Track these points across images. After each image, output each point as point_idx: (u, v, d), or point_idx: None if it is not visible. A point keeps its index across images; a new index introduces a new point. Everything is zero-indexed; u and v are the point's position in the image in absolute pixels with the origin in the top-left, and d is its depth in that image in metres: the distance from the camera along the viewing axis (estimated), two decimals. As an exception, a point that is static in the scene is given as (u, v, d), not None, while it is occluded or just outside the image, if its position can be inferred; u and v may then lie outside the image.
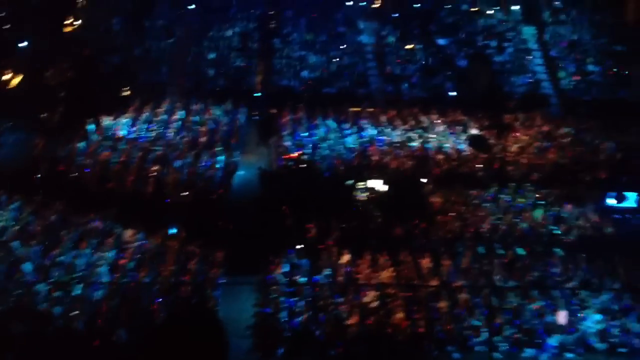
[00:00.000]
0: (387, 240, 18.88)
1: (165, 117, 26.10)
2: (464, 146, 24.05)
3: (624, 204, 21.46)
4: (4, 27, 27.30)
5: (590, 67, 30.38)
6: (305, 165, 22.57)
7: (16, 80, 26.00)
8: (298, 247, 18.33)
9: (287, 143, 24.07)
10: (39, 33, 27.19)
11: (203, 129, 25.19)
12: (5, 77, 25.79)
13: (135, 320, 15.25)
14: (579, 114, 27.50)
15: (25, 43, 26.80)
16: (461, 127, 25.75)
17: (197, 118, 26.14)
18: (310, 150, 23.60)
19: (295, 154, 23.03)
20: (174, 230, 19.13)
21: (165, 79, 29.30)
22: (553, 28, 32.21)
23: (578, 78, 29.94)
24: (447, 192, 20.88)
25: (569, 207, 20.74)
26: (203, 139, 24.44)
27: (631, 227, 20.83)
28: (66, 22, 29.79)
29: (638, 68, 29.70)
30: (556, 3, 33.08)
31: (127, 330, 14.89)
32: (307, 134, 25.14)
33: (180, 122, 25.71)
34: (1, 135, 23.39)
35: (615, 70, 30.05)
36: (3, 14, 27.80)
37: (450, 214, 19.97)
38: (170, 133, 24.84)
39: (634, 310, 16.58)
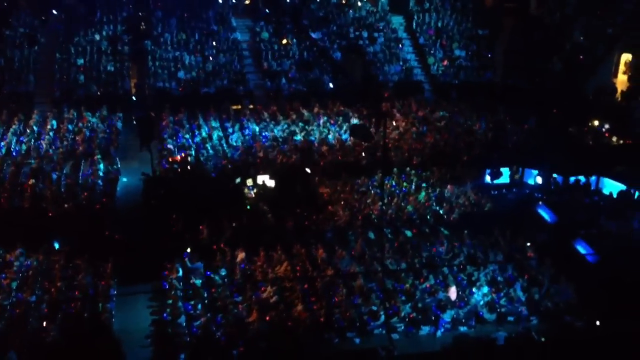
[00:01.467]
0: (280, 234, 19.02)
1: (36, 128, 24.89)
2: (346, 136, 24.59)
3: (499, 180, 22.79)
4: None
5: (457, 52, 31.93)
6: (190, 167, 22.27)
7: None
8: (191, 250, 18.10)
9: (170, 146, 23.61)
10: None
11: (79, 137, 24.22)
12: None
13: (25, 342, 14.55)
14: (450, 98, 28.88)
15: None
16: (342, 118, 26.31)
17: (71, 127, 25.11)
18: (193, 152, 23.28)
19: (179, 157, 22.65)
20: (56, 245, 18.40)
21: (33, 89, 27.93)
22: (419, 16, 33.53)
23: (446, 63, 31.38)
24: (334, 183, 21.28)
25: (450, 187, 21.71)
26: (80, 148, 23.50)
27: (506, 201, 22.17)
28: None
29: (499, 51, 31.54)
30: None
31: (18, 353, 14.17)
32: (189, 135, 24.77)
33: (53, 132, 24.61)
34: None
35: (479, 53, 31.78)
36: None
37: (338, 203, 20.36)
38: (44, 144, 23.72)
39: (517, 280, 17.61)
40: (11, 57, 28.71)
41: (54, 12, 31.45)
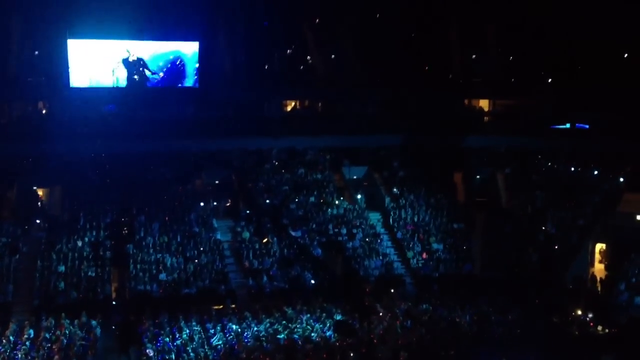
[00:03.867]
0: None
1: (12, 338, 24.26)
2: (330, 333, 24.26)
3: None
4: None
5: (435, 246, 32.68)
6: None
7: None
8: None
9: (149, 351, 23.04)
10: None
11: (55, 346, 23.58)
12: None
13: None
14: (432, 291, 29.05)
15: None
16: (325, 315, 26.11)
17: (48, 335, 24.52)
18: (174, 356, 22.71)
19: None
20: None
21: (11, 298, 27.62)
22: (395, 212, 34.70)
23: (425, 256, 31.96)
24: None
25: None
26: (56, 357, 22.81)
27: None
28: None
29: (476, 244, 32.36)
30: (394, 190, 35.96)
31: None
32: (168, 338, 24.26)
33: (29, 342, 23.96)
34: None
35: (456, 246, 32.57)
36: None
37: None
38: (20, 355, 23.00)
39: None
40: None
41: (37, 221, 32.03)
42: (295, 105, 44.96)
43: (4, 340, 23.99)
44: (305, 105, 45.10)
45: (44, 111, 39.90)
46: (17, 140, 34.06)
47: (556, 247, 31.26)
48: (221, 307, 27.36)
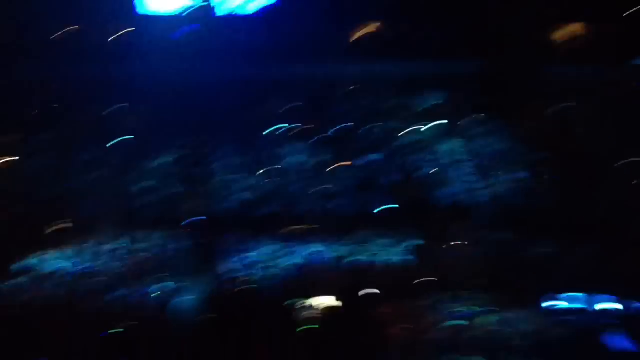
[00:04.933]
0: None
1: (96, 248, 25.46)
2: (404, 257, 24.37)
3: (566, 304, 21.93)
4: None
5: (514, 174, 31.86)
6: (246, 288, 22.31)
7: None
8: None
9: (226, 267, 23.79)
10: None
11: (137, 257, 24.66)
12: None
13: None
14: (508, 220, 28.53)
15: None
16: (399, 239, 26.15)
17: (130, 247, 25.61)
18: (249, 273, 23.38)
19: (235, 278, 22.77)
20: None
21: (95, 210, 28.77)
22: (474, 140, 33.89)
23: (504, 186, 31.25)
24: (394, 304, 20.92)
25: (514, 311, 21.01)
26: (138, 268, 23.87)
27: (578, 327, 21.16)
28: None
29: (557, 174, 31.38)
30: (474, 117, 35.01)
31: None
32: (244, 256, 24.93)
33: (112, 253, 25.09)
34: None
35: (539, 177, 31.67)
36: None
37: (398, 326, 19.88)
38: (103, 264, 24.17)
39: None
40: (77, 181, 29.78)
41: (119, 138, 32.86)
42: (370, 29, 43.88)
43: (87, 252, 25.44)
44: (381, 30, 43.96)
45: (120, 34, 40.35)
46: (95, 62, 34.74)
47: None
48: (294, 228, 27.81)
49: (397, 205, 28.98)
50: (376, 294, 21.58)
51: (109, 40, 38.48)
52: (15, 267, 23.25)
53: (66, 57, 33.15)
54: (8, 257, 23.60)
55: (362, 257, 24.36)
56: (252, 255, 24.89)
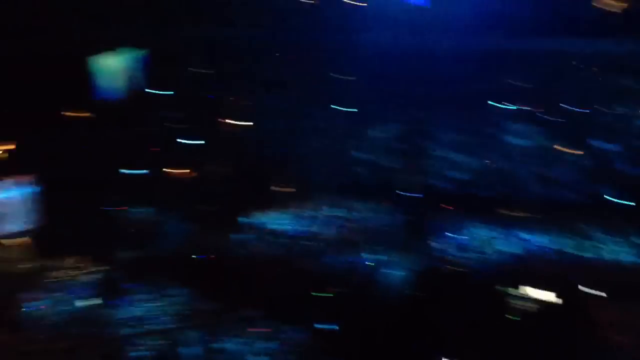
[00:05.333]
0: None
1: (314, 212, 26.46)
2: (632, 257, 22.48)
3: None
4: (174, 126, 29.48)
5: None
6: (455, 268, 21.97)
7: (183, 174, 27.78)
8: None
9: (437, 245, 23.57)
10: (206, 130, 29.16)
11: (351, 225, 25.26)
12: (173, 171, 27.67)
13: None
14: None
15: (192, 140, 28.69)
16: (631, 238, 24.12)
17: (345, 215, 26.28)
18: (460, 254, 22.95)
19: (445, 258, 22.50)
20: (325, 326, 19.07)
21: (316, 177, 29.88)
22: None
23: None
24: (619, 309, 19.37)
25: None
26: (351, 236, 24.45)
27: None
28: (226, 121, 31.65)
29: None
30: None
31: None
32: (457, 236, 24.52)
33: (331, 219, 25.93)
34: (168, 224, 24.78)
35: None
36: (172, 114, 30.20)
37: (622, 332, 18.39)
38: (319, 228, 25.09)
39: None
40: (303, 146, 31.10)
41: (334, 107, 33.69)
42: (613, 5, 40.37)
43: (306, 216, 26.57)
44: (625, 6, 40.27)
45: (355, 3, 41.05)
46: (327, 31, 35.59)
47: None
48: (513, 214, 26.77)
49: (632, 203, 26.75)
50: (599, 295, 20.07)
51: (343, 10, 39.54)
52: (242, 221, 25.05)
53: (305, 25, 34.60)
54: (237, 212, 25.51)
55: (587, 254, 22.80)
56: (465, 237, 24.41)
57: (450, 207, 26.41)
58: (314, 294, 20.78)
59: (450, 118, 32.67)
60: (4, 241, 22.62)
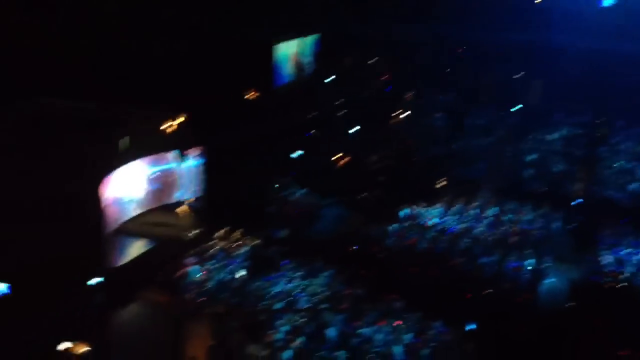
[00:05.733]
0: None
1: (476, 212, 25.67)
2: None
3: None
4: (339, 114, 30.01)
5: None
6: (624, 285, 20.31)
7: (344, 161, 28.15)
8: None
9: (606, 258, 21.92)
10: (369, 121, 29.34)
11: (514, 229, 24.17)
12: (335, 157, 28.16)
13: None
14: None
15: (356, 129, 29.01)
16: None
17: (509, 217, 25.24)
18: (632, 270, 21.17)
19: (614, 272, 20.88)
20: (472, 326, 18.42)
21: (480, 176, 29.05)
22: None
23: None
24: None
25: None
26: (513, 239, 23.41)
27: None
28: (394, 114, 31.69)
29: None
30: None
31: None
32: (630, 251, 22.63)
33: (491, 219, 25.03)
34: (324, 208, 25.23)
35: None
36: (338, 102, 30.75)
37: None
38: (480, 228, 24.27)
39: None
40: (467, 144, 30.46)
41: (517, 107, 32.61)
42: None
43: (468, 213, 25.80)
44: None
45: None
46: (504, 30, 34.49)
47: None
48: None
49: None
50: None
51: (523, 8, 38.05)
52: (401, 213, 24.85)
53: (484, 23, 33.82)
54: (397, 203, 25.36)
55: None
56: (629, 250, 22.46)
57: (618, 219, 24.44)
58: (464, 293, 20.22)
59: (630, 127, 30.32)
60: (174, 208, 24.09)
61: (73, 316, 16.70)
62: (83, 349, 16.09)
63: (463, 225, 24.32)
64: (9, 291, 16.71)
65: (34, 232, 18.30)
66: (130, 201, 23.82)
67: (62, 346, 15.90)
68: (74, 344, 16.08)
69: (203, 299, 18.95)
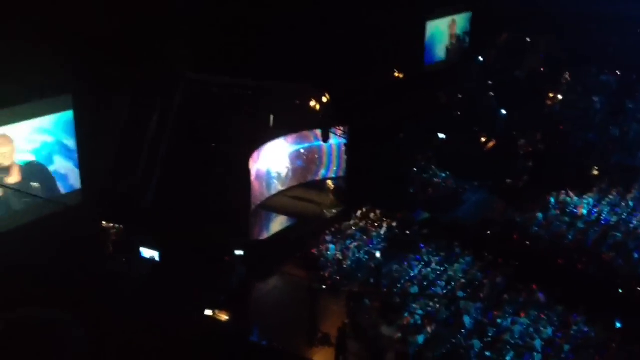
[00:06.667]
0: None
1: (632, 203, 23.92)
2: None
3: None
4: (488, 94, 28.94)
5: None
6: None
7: (491, 144, 27.20)
8: None
9: None
10: (521, 104, 28.05)
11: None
12: (482, 140, 27.28)
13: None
14: None
15: (504, 112, 27.88)
16: None
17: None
18: None
19: None
20: (618, 325, 17.31)
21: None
22: None
23: None
24: None
25: None
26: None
27: None
28: (549, 97, 30.11)
29: None
30: None
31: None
32: None
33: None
34: (467, 192, 24.57)
35: None
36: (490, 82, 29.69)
37: None
38: (635, 221, 22.61)
39: None
40: (627, 130, 28.37)
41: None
42: None
43: (623, 204, 24.05)
44: None
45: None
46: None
47: None
48: None
49: None
50: None
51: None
52: (550, 201, 23.67)
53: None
54: (546, 190, 24.15)
55: None
56: None
57: None
58: (614, 290, 19.02)
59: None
60: (316, 186, 24.57)
61: (216, 285, 17.55)
62: (225, 317, 16.86)
63: (617, 217, 22.87)
64: (159, 259, 17.77)
65: (184, 203, 19.52)
66: (275, 176, 24.68)
67: (207, 312, 16.75)
68: (218, 311, 16.89)
69: (339, 277, 19.18)
